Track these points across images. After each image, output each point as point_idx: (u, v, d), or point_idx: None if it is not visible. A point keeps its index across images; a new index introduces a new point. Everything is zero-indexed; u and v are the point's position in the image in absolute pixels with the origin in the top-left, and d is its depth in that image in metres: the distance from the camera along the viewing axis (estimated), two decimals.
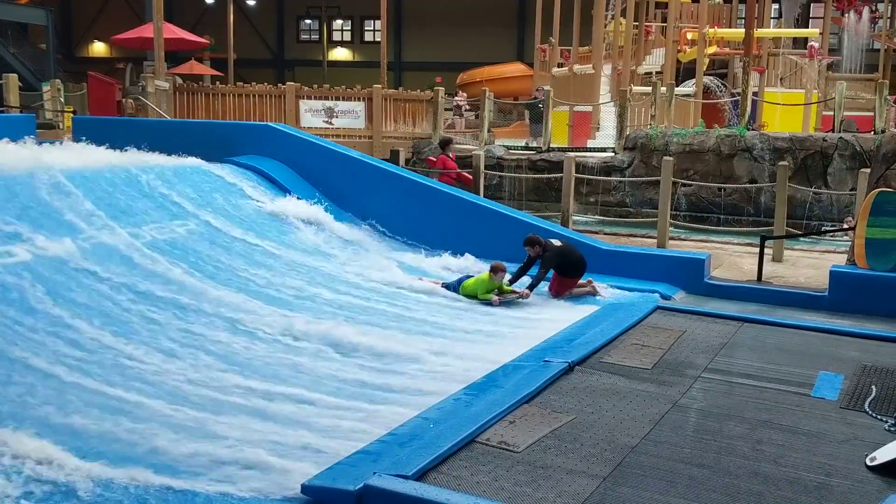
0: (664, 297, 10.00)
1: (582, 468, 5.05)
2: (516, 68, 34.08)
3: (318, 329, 8.05)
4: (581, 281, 10.22)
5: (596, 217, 16.08)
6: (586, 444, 5.43)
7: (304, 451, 5.46)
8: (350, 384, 6.83)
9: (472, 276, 10.09)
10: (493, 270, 9.82)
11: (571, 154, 16.03)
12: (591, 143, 20.19)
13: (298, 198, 12.47)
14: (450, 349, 7.80)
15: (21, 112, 17.43)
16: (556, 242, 10.25)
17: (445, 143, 15.99)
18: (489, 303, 9.65)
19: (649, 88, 19.46)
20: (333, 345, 7.70)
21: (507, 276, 9.98)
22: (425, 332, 8.38)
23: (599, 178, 16.55)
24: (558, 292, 10.13)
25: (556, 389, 6.43)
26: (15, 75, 18.98)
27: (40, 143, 11.95)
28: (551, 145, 18.95)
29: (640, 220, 15.72)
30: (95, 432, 5.55)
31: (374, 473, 4.77)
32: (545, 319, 8.99)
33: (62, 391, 6.12)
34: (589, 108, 21.78)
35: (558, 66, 26.61)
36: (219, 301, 8.62)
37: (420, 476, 4.86)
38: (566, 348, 7.41)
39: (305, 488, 4.85)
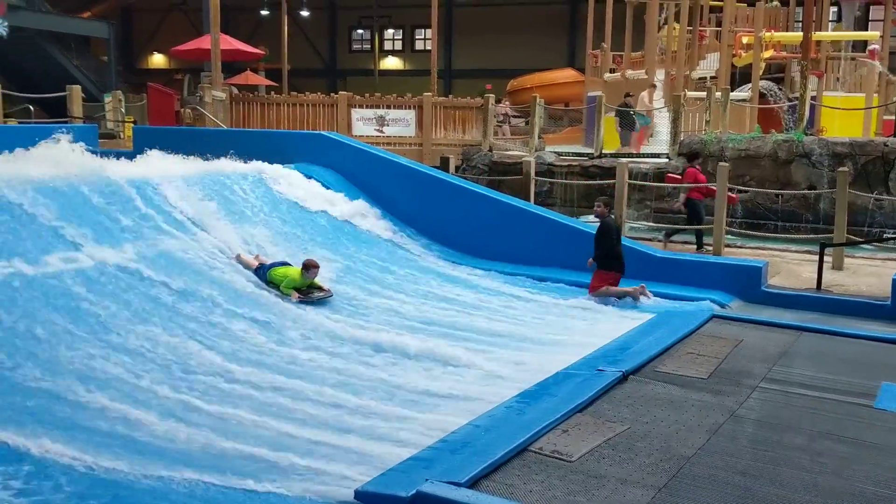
0: (720, 306, 9.84)
1: (637, 478, 5.00)
2: (567, 74, 33.88)
3: (369, 335, 8.13)
4: (635, 287, 10.11)
5: (649, 224, 15.87)
6: (641, 454, 5.37)
7: (356, 457, 5.50)
8: (401, 390, 6.86)
9: (287, 265, 9.56)
10: (306, 268, 9.31)
11: (624, 160, 15.85)
12: (644, 149, 19.97)
13: (350, 202, 12.65)
14: (501, 356, 7.78)
15: (84, 122, 17.92)
16: None
17: (693, 156, 14.54)
18: (289, 298, 9.08)
19: (704, 93, 19.18)
20: (384, 351, 7.78)
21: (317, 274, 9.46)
22: (476, 338, 8.37)
23: (653, 184, 16.35)
24: (595, 287, 10.02)
25: (610, 399, 6.37)
26: (78, 87, 19.47)
27: (110, 154, 12.28)
28: (603, 151, 18.80)
29: (695, 227, 15.47)
30: (158, 433, 5.72)
31: (427, 480, 4.79)
32: (596, 328, 8.91)
33: (125, 393, 6.28)
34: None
35: (610, 72, 26.41)
36: (279, 306, 8.77)
37: (472, 483, 4.86)
38: (619, 357, 7.34)
39: (359, 494, 4.89)
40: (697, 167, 13.97)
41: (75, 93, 18.42)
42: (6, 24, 25.15)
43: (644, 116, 20.80)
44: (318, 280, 9.41)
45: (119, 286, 8.25)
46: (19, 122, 19.47)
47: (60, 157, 10.10)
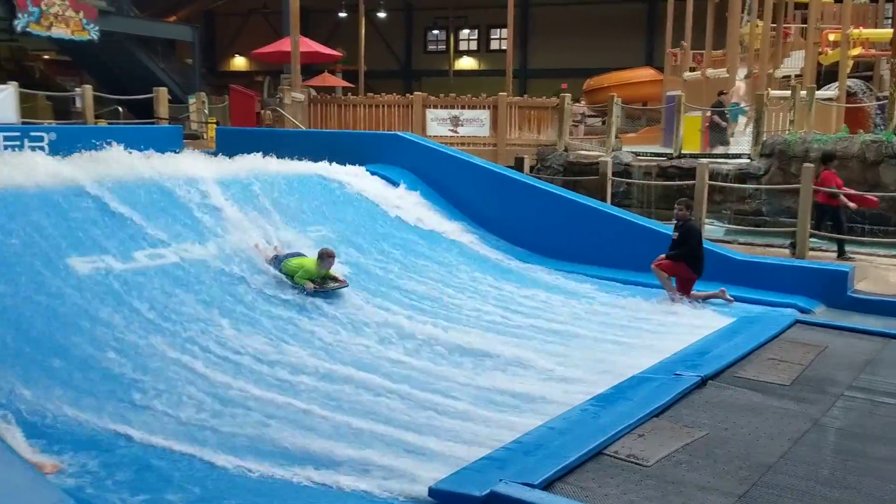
0: (803, 311, 9.54)
1: (715, 485, 4.90)
2: (645, 73, 33.36)
3: (441, 334, 8.17)
4: (713, 291, 9.94)
5: (730, 226, 15.50)
6: (720, 460, 5.26)
7: (431, 455, 5.54)
8: (476, 390, 6.87)
9: (301, 255, 9.37)
10: (321, 257, 9.09)
11: (704, 160, 15.51)
12: (722, 150, 19.51)
13: (425, 203, 12.73)
14: (576, 358, 7.72)
15: (170, 123, 18.50)
16: None
17: (828, 158, 13.49)
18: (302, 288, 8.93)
19: (788, 92, 18.63)
20: (460, 351, 7.81)
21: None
22: (552, 340, 8.32)
23: (734, 185, 15.97)
24: (685, 292, 9.87)
25: (688, 403, 6.26)
26: (165, 89, 20.15)
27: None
28: (682, 151, 18.44)
29: (778, 229, 15.06)
30: (239, 426, 5.88)
31: (501, 480, 4.78)
32: (674, 331, 8.74)
33: (206, 389, 6.48)
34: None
35: (690, 71, 25.89)
36: (354, 305, 8.90)
37: (546, 485, 4.84)
38: (698, 362, 7.20)
39: (433, 491, 4.92)
40: (833, 170, 13.11)
41: (162, 94, 19.04)
42: (97, 28, 26.14)
43: (742, 108, 20.27)
44: (332, 271, 9.17)
45: (201, 281, 8.55)
46: (108, 123, 20.23)
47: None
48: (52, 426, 5.66)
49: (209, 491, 4.97)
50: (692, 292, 9.96)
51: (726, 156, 18.36)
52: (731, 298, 9.89)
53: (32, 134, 12.04)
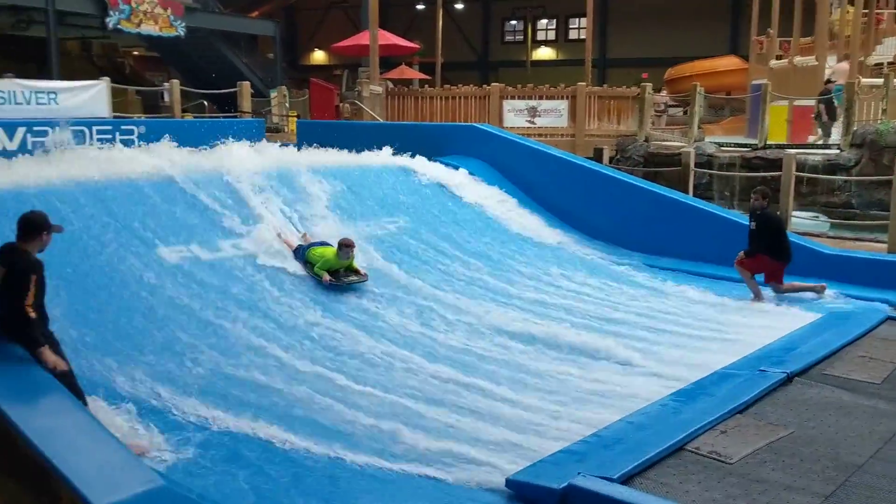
0: (895, 307, 9.15)
1: (801, 485, 4.76)
2: (729, 62, 32.47)
3: (521, 326, 8.15)
4: (811, 283, 9.62)
5: (818, 219, 14.98)
6: (806, 459, 5.11)
7: (508, 446, 5.55)
8: (554, 383, 6.85)
9: (328, 245, 9.05)
10: (341, 247, 8.77)
11: (791, 151, 15.02)
12: (812, 140, 18.85)
13: (502, 194, 12.72)
14: (655, 353, 7.60)
15: (252, 117, 18.92)
16: None
17: None
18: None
19: (880, 80, 17.86)
20: (536, 342, 7.77)
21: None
22: (631, 334, 8.21)
23: (822, 176, 15.43)
24: (776, 280, 9.57)
25: (773, 401, 6.09)
26: (248, 83, 20.62)
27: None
28: (768, 142, 17.90)
29: (869, 222, 14.49)
30: (326, 414, 6.04)
31: (579, 473, 4.75)
32: (758, 326, 8.49)
33: (299, 381, 6.63)
34: (811, 103, 20.35)
35: (776, 59, 25.09)
36: (433, 297, 8.96)
37: (626, 480, 4.79)
38: (784, 358, 7.00)
39: (510, 482, 4.93)
40: None
41: (245, 89, 19.49)
42: (184, 24, 26.92)
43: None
44: (355, 263, 8.95)
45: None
46: (194, 117, 20.82)
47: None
48: (150, 410, 5.88)
49: (298, 477, 5.12)
50: (785, 284, 9.62)
51: (815, 146, 17.73)
52: (823, 293, 9.55)
53: (123, 127, 12.49)
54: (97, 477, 4.14)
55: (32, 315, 5.04)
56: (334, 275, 8.74)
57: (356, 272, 8.90)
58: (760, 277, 9.73)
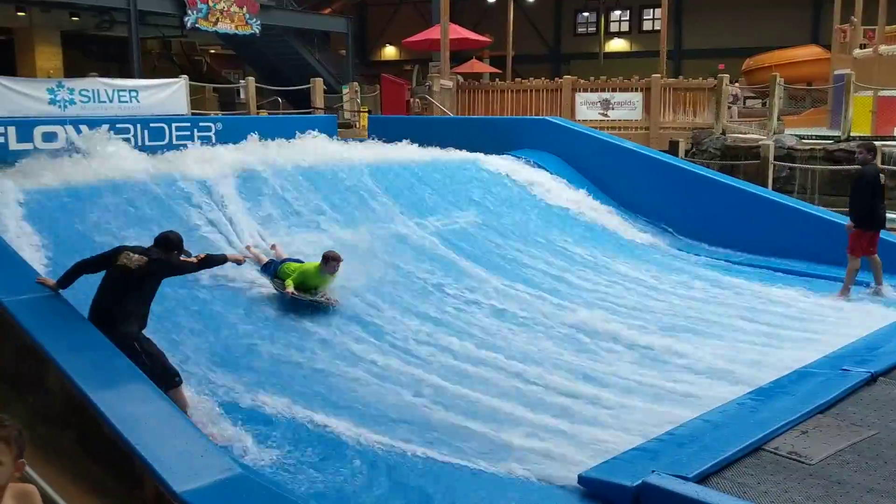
0: None
1: (886, 488, 4.59)
2: (810, 51, 31.41)
3: (600, 324, 8.06)
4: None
5: None
6: (891, 462, 4.92)
7: (581, 443, 5.51)
8: (628, 380, 6.76)
9: (300, 261, 8.22)
10: (325, 260, 7.82)
11: (877, 143, 14.45)
12: None
13: (574, 189, 12.60)
14: (732, 350, 7.43)
15: (325, 113, 19.19)
16: None
17: None
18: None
19: None
20: (613, 340, 7.69)
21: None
22: (706, 331, 8.05)
23: None
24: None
25: (856, 401, 5.88)
26: (321, 79, 20.89)
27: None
28: (851, 134, 17.26)
29: None
30: (402, 410, 6.10)
31: (653, 472, 4.68)
32: (837, 325, 8.24)
33: (370, 371, 6.75)
34: None
35: (860, 48, 24.18)
36: (510, 294, 8.94)
37: (701, 479, 4.69)
38: (867, 357, 6.75)
39: (582, 479, 4.89)
40: None
41: (318, 85, 19.77)
42: (259, 22, 27.43)
43: None
44: (329, 290, 7.97)
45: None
46: (269, 113, 21.22)
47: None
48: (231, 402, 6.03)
49: (377, 468, 5.20)
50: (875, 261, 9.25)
51: None
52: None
53: (201, 125, 12.80)
54: (178, 464, 4.27)
55: (196, 260, 6.04)
56: (303, 291, 7.78)
57: (324, 295, 7.88)
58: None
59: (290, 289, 7.64)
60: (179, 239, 5.91)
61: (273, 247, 8.73)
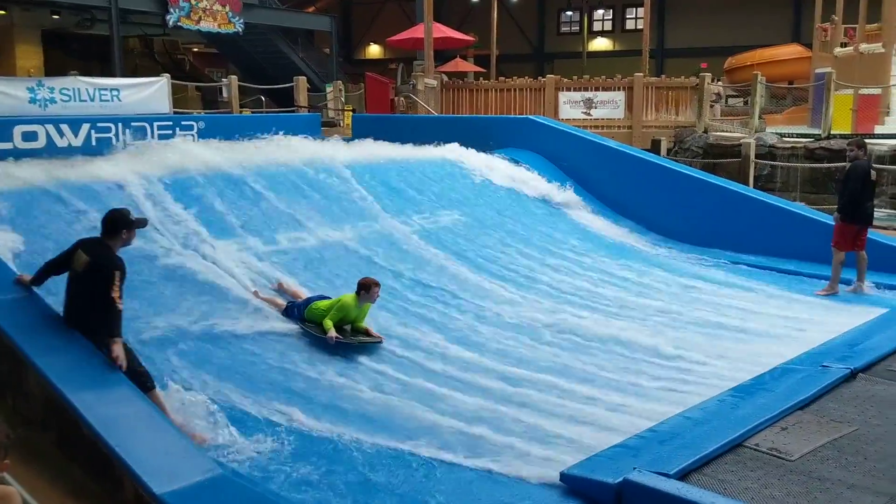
0: None
1: (866, 484, 4.62)
2: (792, 50, 31.62)
3: (582, 322, 8.08)
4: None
5: (884, 210, 14.53)
6: (871, 458, 4.96)
7: (562, 441, 5.53)
8: (610, 378, 6.79)
9: (325, 297, 7.59)
10: (364, 287, 7.23)
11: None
12: (878, 130, 18.26)
13: (558, 187, 12.63)
14: (713, 347, 7.48)
15: (309, 111, 19.14)
16: None
17: None
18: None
19: None
20: (595, 338, 7.70)
21: None
22: (689, 328, 8.09)
23: (889, 167, 14.95)
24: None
25: (836, 397, 5.93)
26: (304, 78, 20.84)
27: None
28: (832, 132, 17.40)
29: None
30: (384, 408, 6.09)
31: (635, 469, 4.69)
32: (817, 321, 8.30)
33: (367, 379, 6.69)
34: (877, 91, 19.73)
35: (841, 46, 24.36)
36: (481, 290, 8.95)
37: (682, 476, 4.71)
38: (847, 353, 6.80)
39: (564, 476, 4.90)
40: None
41: (301, 84, 19.72)
42: (242, 20, 27.32)
43: None
44: (366, 323, 7.40)
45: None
46: (252, 112, 21.14)
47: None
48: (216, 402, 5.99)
49: (356, 467, 5.19)
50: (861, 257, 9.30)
51: (881, 136, 17.17)
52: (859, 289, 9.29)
53: (183, 123, 12.72)
54: (158, 465, 4.25)
55: (120, 306, 5.18)
56: (341, 332, 7.16)
57: (367, 332, 7.32)
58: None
59: (333, 333, 6.99)
60: (122, 216, 5.42)
61: (280, 285, 7.99)
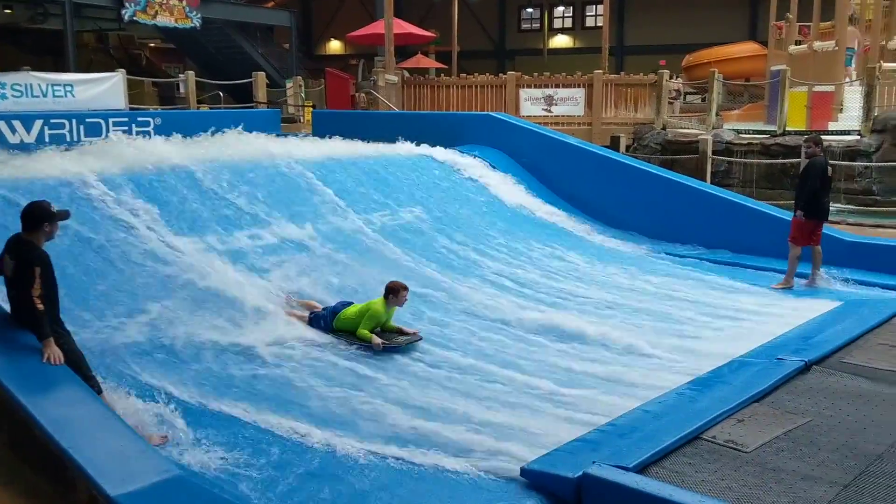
0: None
1: (819, 474, 4.71)
2: (748, 48, 32.10)
3: (540, 317, 8.11)
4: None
5: (837, 205, 14.82)
6: (824, 448, 5.05)
7: (523, 435, 5.53)
8: (570, 372, 6.82)
9: (349, 303, 7.65)
10: (392, 291, 7.32)
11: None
12: (832, 126, 18.63)
13: (517, 183, 12.67)
14: (672, 342, 7.55)
15: (268, 107, 18.96)
16: None
17: None
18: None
19: None
20: (552, 332, 7.72)
21: None
22: (645, 323, 8.16)
23: (842, 163, 15.25)
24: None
25: (791, 389, 6.03)
26: (263, 73, 20.65)
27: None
28: (787, 128, 17.70)
29: (889, 209, 14.33)
30: (339, 405, 6.03)
31: (594, 462, 4.72)
32: (776, 314, 8.43)
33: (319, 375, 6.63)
34: (831, 88, 20.12)
35: (796, 44, 24.79)
36: (449, 289, 8.92)
37: (641, 469, 4.75)
38: (802, 346, 6.93)
39: (525, 471, 4.92)
40: None
41: (260, 79, 19.53)
42: (199, 15, 26.98)
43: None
44: (398, 321, 7.54)
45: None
46: (210, 108, 20.88)
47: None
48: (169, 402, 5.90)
49: (317, 467, 5.12)
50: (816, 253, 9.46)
51: (834, 132, 17.52)
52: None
53: (139, 119, 12.56)
54: (113, 466, 4.17)
55: (40, 307, 5.05)
56: (382, 336, 7.25)
57: (401, 331, 7.38)
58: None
59: (377, 340, 7.08)
60: (43, 209, 5.23)
61: (287, 298, 7.89)
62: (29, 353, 5.06)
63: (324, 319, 7.43)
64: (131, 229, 8.07)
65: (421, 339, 7.35)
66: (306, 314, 7.62)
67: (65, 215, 5.50)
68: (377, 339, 7.10)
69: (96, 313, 6.81)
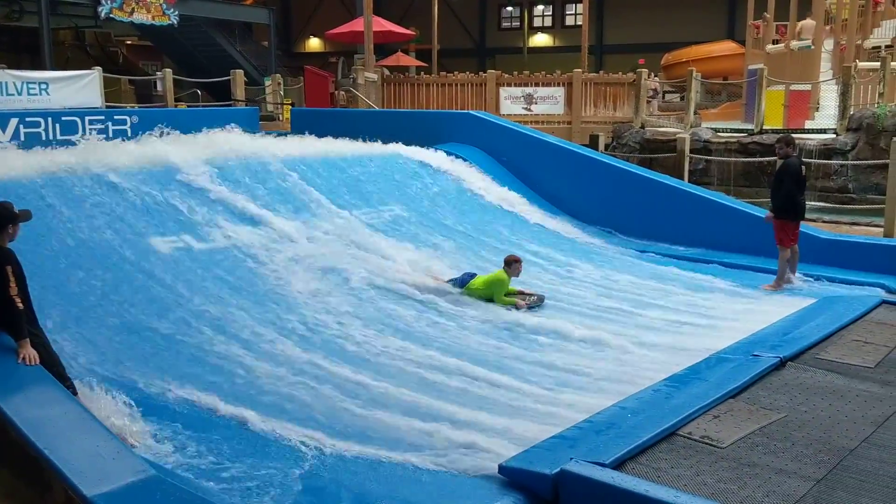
0: (890, 292, 9.14)
1: (793, 469, 4.76)
2: (726, 47, 32.38)
3: (520, 315, 8.14)
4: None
5: (814, 203, 14.98)
6: (798, 443, 5.11)
7: (500, 433, 5.55)
8: (547, 369, 6.84)
9: (472, 274, 8.84)
10: (509, 263, 8.55)
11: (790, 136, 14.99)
12: (808, 125, 18.82)
13: (497, 182, 12.69)
14: (649, 338, 7.60)
15: (246, 105, 18.87)
16: None
17: None
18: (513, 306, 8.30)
19: (877, 64, 17.83)
20: (533, 330, 7.76)
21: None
22: (623, 321, 8.20)
23: (819, 161, 15.42)
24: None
25: (766, 385, 6.09)
26: (241, 71, 20.54)
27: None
28: (764, 127, 17.87)
29: (865, 206, 14.50)
30: (314, 402, 6.01)
31: (571, 459, 4.75)
32: (753, 311, 8.50)
33: (294, 369, 6.62)
34: (807, 87, 20.33)
35: (773, 43, 25.01)
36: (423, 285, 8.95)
37: (617, 465, 4.78)
38: (777, 343, 6.99)
39: (502, 469, 4.93)
40: None
41: (239, 77, 19.43)
42: (177, 13, 26.78)
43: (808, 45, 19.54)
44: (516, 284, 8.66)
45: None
46: (188, 106, 20.75)
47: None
48: (142, 400, 5.86)
49: (292, 464, 5.11)
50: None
51: (809, 131, 17.71)
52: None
53: (116, 117, 12.45)
54: (88, 467, 4.14)
55: (20, 305, 5.02)
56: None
57: (521, 293, 8.56)
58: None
59: (520, 301, 8.32)
60: (6, 211, 5.25)
61: (436, 278, 8.84)
62: (4, 354, 5.02)
63: (457, 284, 8.57)
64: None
65: (545, 297, 8.53)
66: (443, 279, 8.73)
67: (27, 216, 5.48)
68: (520, 302, 8.30)
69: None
